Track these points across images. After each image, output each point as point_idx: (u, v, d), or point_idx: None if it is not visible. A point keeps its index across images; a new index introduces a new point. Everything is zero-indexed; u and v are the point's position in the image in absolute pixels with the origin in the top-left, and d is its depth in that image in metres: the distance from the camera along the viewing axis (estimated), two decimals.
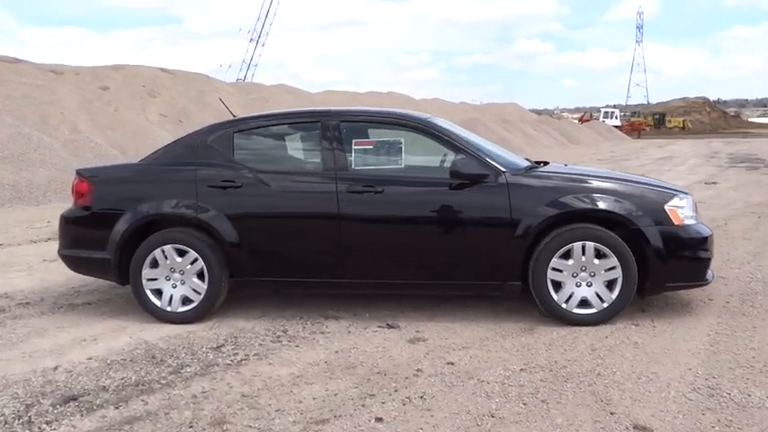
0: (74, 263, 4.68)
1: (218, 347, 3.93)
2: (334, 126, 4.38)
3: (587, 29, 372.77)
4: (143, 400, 3.19)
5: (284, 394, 3.23)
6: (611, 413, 2.92)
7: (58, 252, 4.76)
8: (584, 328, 4.08)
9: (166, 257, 4.37)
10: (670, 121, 48.86)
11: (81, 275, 5.04)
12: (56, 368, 3.65)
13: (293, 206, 4.33)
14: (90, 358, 3.80)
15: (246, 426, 2.91)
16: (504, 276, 4.20)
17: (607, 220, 4.13)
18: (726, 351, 3.66)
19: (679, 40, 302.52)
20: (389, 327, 4.26)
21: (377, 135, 4.54)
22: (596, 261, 4.11)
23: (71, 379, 3.49)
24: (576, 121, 42.80)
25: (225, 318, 4.45)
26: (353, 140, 4.37)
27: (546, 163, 4.82)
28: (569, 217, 4.11)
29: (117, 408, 3.12)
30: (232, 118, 4.87)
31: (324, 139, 4.37)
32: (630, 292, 4.11)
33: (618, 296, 4.11)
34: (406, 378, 3.40)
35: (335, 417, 2.97)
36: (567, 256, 4.12)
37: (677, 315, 4.32)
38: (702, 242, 4.17)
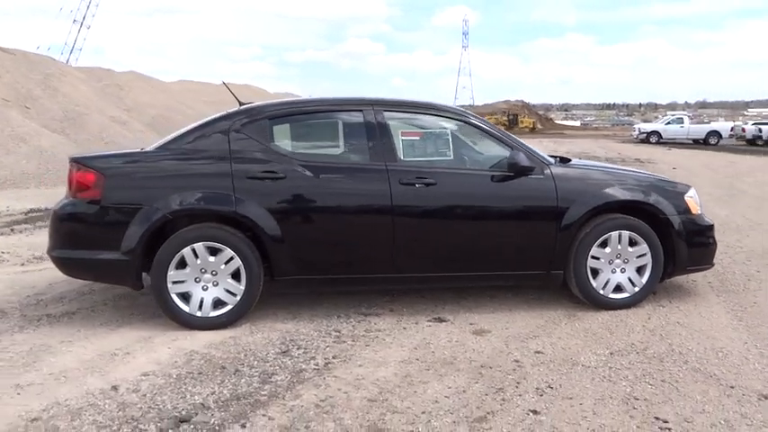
0: (71, 266, 4.01)
1: (284, 352, 3.61)
2: (378, 115, 4.20)
3: (415, 32, 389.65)
4: (265, 416, 2.85)
5: (411, 395, 3.06)
6: (731, 387, 3.15)
7: (49, 253, 4.05)
8: (622, 312, 4.32)
9: (197, 256, 3.90)
10: (522, 122, 52.48)
11: (61, 277, 4.36)
12: (115, 388, 3.13)
13: (343, 199, 4.07)
14: (145, 374, 3.30)
15: (408, 430, 2.72)
16: (548, 265, 4.31)
17: (640, 209, 4.41)
18: (760, 324, 4.09)
19: (496, 47, 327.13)
20: (440, 320, 4.19)
21: (413, 126, 4.42)
22: (630, 248, 4.37)
23: (149, 399, 3.01)
24: None
25: (252, 321, 4.09)
26: (400, 131, 4.23)
27: (566, 158, 4.98)
28: (609, 207, 4.33)
29: (243, 426, 2.75)
30: (243, 104, 4.49)
31: (368, 128, 4.18)
32: (658, 276, 4.44)
33: (648, 280, 4.41)
34: (514, 370, 3.38)
35: (489, 413, 2.88)
36: (604, 244, 4.34)
37: (684, 297, 4.72)
38: (711, 229, 4.61)
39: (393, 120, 4.25)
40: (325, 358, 3.53)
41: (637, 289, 4.41)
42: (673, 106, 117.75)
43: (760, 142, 32.73)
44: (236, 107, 4.34)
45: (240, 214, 3.91)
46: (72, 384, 3.18)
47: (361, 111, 4.23)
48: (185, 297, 3.94)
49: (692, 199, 4.55)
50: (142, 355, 3.57)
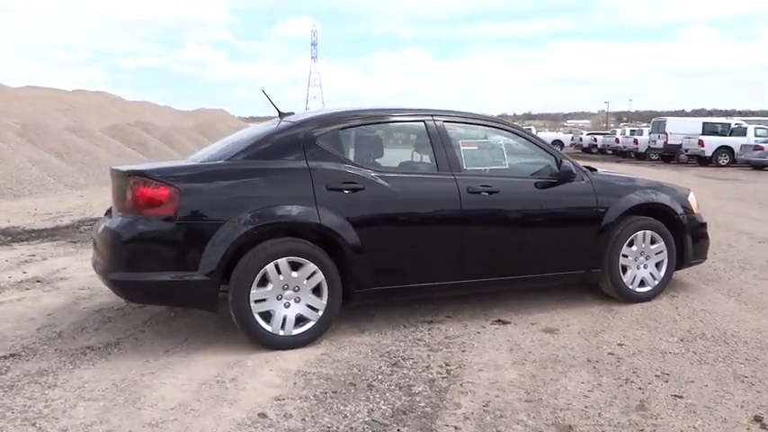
0: (139, 290, 3.64)
1: (395, 364, 3.57)
2: (440, 126, 4.29)
3: (258, 41, 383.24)
4: (448, 426, 2.83)
5: (559, 392, 3.19)
6: None
7: (109, 278, 3.65)
8: (648, 305, 4.76)
9: (280, 273, 3.73)
10: None
11: (51, 305, 3.94)
12: (263, 415, 2.93)
13: (419, 208, 4.09)
14: (279, 399, 3.11)
15: (592, 424, 2.86)
16: (589, 265, 4.65)
17: (658, 210, 4.89)
18: (763, 306, 4.72)
19: (340, 59, 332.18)
20: (503, 323, 4.36)
21: (467, 137, 4.55)
22: (651, 246, 4.85)
23: (311, 422, 2.87)
24: None
25: (325, 338, 3.99)
26: (461, 141, 4.35)
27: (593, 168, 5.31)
28: (636, 210, 4.76)
29: None
30: (282, 114, 4.38)
31: (431, 138, 4.24)
32: (672, 270, 4.96)
33: (665, 274, 4.91)
34: (618, 361, 3.62)
35: (642, 401, 3.09)
36: (631, 243, 4.77)
37: (680, 289, 5.28)
38: (706, 226, 5.23)
39: (452, 130, 4.35)
40: (441, 366, 3.55)
41: (656, 282, 4.89)
42: (503, 117, 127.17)
43: (594, 150, 36.70)
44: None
45: (324, 226, 3.80)
46: (210, 416, 2.93)
47: (422, 121, 4.29)
48: (266, 316, 3.75)
49: (693, 200, 5.14)
50: (251, 380, 3.35)
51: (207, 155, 4.18)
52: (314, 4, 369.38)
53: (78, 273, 5.90)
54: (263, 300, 3.72)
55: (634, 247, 4.77)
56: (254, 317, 3.69)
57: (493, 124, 4.63)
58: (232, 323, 4.13)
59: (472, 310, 4.61)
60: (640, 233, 4.77)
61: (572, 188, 4.54)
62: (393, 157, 4.40)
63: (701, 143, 25.71)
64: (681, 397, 3.14)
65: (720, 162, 25.33)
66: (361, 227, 3.89)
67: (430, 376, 3.40)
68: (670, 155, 27.79)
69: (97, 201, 11.40)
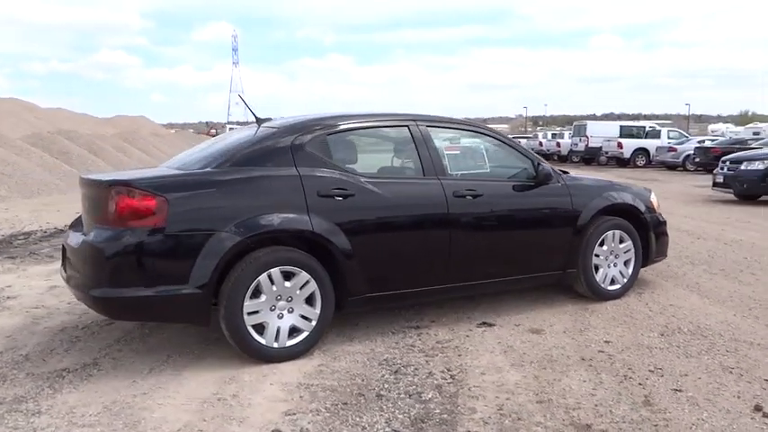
0: (125, 306, 3.43)
1: (396, 372, 3.52)
2: (423, 131, 4.28)
3: (174, 46, 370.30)
4: None
5: (566, 392, 3.23)
6: None
7: (90, 295, 3.42)
8: (619, 302, 4.93)
9: (273, 283, 3.62)
10: None
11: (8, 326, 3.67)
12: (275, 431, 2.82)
13: (408, 213, 4.05)
14: (290, 413, 3.01)
15: (608, 422, 2.91)
16: (565, 265, 4.76)
17: (625, 210, 5.07)
18: (724, 300, 4.97)
19: (262, 64, 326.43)
20: (488, 324, 4.39)
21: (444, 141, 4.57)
22: (620, 245, 5.02)
23: None
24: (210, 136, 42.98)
25: (317, 348, 3.91)
26: (445, 146, 4.36)
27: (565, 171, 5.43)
28: (607, 210, 4.92)
29: None
30: (259, 119, 4.27)
31: (416, 143, 4.23)
32: (639, 268, 5.15)
33: (633, 272, 5.10)
34: (610, 358, 3.71)
35: (646, 396, 3.18)
36: (602, 243, 4.92)
37: (647, 284, 5.50)
38: (666, 224, 5.47)
39: (435, 134, 4.36)
40: (443, 371, 3.53)
41: (626, 280, 5.07)
42: None
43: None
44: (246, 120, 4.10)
45: (317, 234, 3.71)
46: None
47: (406, 126, 4.27)
48: (259, 328, 3.62)
49: (654, 200, 5.37)
50: (254, 396, 3.22)
51: (184, 162, 4.00)
52: (233, 9, 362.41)
53: (26, 290, 5.53)
54: (257, 312, 3.59)
55: (605, 247, 4.93)
56: (247, 330, 3.56)
57: (473, 129, 4.68)
58: (213, 336, 4.00)
59: (454, 313, 4.63)
60: (610, 233, 4.93)
61: (549, 191, 4.64)
62: (379, 162, 4.36)
63: (619, 145, 26.98)
64: (680, 391, 3.26)
65: (638, 163, 26.67)
66: (353, 234, 3.82)
67: (436, 382, 3.38)
68: (591, 157, 29.01)
69: (25, 213, 10.75)
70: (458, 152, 4.50)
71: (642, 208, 5.14)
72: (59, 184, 14.82)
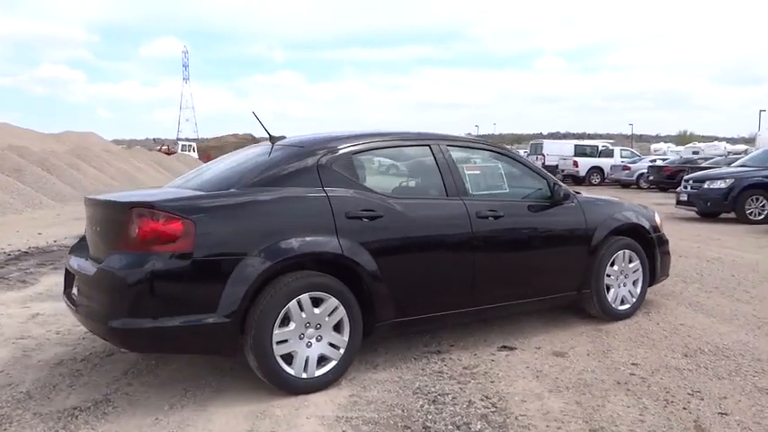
0: (147, 337, 3.18)
1: (434, 401, 3.38)
2: (444, 150, 4.19)
3: (119, 62, 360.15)
4: None
5: (614, 419, 3.15)
6: None
7: (108, 326, 3.16)
8: (629, 322, 4.91)
9: (302, 310, 3.44)
10: None
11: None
12: None
13: (434, 234, 3.93)
14: None
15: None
16: (580, 285, 4.72)
17: (633, 230, 5.08)
18: (730, 318, 5.02)
19: (212, 81, 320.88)
20: (509, 348, 4.30)
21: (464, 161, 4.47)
22: (629, 265, 5.02)
23: None
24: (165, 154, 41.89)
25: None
26: (465, 166, 4.27)
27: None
28: (617, 231, 4.91)
29: None
30: (273, 137, 4.11)
31: (438, 163, 4.13)
32: (647, 287, 5.16)
33: (641, 291, 5.11)
34: (644, 381, 3.66)
35: (695, 421, 3.13)
36: (613, 263, 4.91)
37: (649, 303, 5.50)
38: (668, 244, 5.52)
39: (455, 154, 4.27)
40: (482, 399, 3.40)
41: (634, 300, 5.07)
42: None
43: None
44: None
45: (346, 257, 3.55)
46: None
47: (428, 145, 4.17)
48: (287, 358, 3.43)
49: (658, 219, 5.41)
50: None
51: (201, 182, 3.79)
52: (181, 24, 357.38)
53: (5, 319, 5.16)
54: (285, 341, 3.40)
55: (615, 267, 4.91)
56: (276, 360, 3.36)
57: (490, 148, 4.61)
58: (226, 366, 3.82)
59: (470, 337, 4.52)
60: (620, 252, 4.93)
61: (565, 211, 4.60)
62: (402, 182, 4.24)
63: (575, 164, 27.60)
64: (726, 414, 3.22)
65: (593, 181, 27.33)
66: (381, 256, 3.68)
67: (479, 411, 3.25)
68: None
69: None
70: (478, 172, 4.41)
71: (648, 227, 5.16)
72: (14, 202, 14.11)
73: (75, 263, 3.73)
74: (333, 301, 3.52)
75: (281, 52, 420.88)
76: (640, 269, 5.07)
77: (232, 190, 3.48)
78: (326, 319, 3.52)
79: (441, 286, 3.98)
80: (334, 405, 3.33)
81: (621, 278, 4.98)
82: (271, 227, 3.39)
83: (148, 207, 3.22)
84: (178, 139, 63.92)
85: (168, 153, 42.86)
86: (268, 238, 3.34)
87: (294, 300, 3.39)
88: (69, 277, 3.85)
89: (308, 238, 3.45)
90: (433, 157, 4.14)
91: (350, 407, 3.31)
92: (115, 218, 3.41)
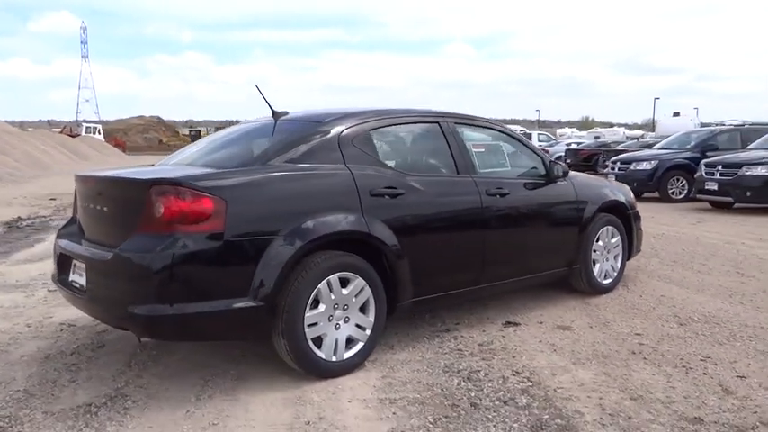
0: (175, 325, 2.96)
1: (469, 378, 3.35)
2: (452, 128, 4.14)
3: (5, 36, 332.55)
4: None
5: (646, 387, 3.23)
6: None
7: (135, 313, 2.91)
8: (614, 294, 5.11)
9: (332, 291, 3.32)
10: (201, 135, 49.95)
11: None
12: None
13: (450, 210, 3.89)
14: None
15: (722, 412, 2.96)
16: (571, 261, 4.84)
17: (615, 207, 5.25)
18: (703, 288, 5.31)
19: (111, 60, 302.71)
20: (513, 324, 4.35)
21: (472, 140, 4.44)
22: (611, 240, 5.20)
23: None
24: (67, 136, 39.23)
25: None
26: (471, 143, 4.25)
27: None
28: (603, 207, 5.06)
29: None
30: (276, 113, 3.93)
31: (447, 140, 4.09)
32: (626, 261, 5.37)
33: (621, 265, 5.30)
34: (654, 350, 3.79)
35: (721, 386, 3.27)
36: (598, 238, 5.06)
37: (627, 277, 5.73)
38: (641, 220, 5.74)
39: (462, 132, 4.23)
40: (513, 374, 3.42)
41: (615, 274, 5.26)
42: None
43: None
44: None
45: (373, 236, 3.45)
46: None
47: (437, 123, 4.11)
48: (317, 341, 3.30)
49: (633, 197, 5.62)
50: (341, 417, 2.91)
51: (212, 158, 3.57)
52: (77, 0, 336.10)
53: None
54: (316, 323, 3.27)
55: (600, 242, 5.07)
56: (308, 344, 3.23)
57: (492, 126, 4.61)
58: (235, 354, 3.66)
59: (470, 315, 4.53)
60: (604, 229, 5.08)
61: (560, 188, 4.69)
62: (416, 158, 4.14)
63: None
64: (745, 377, 3.40)
65: None
66: (403, 234, 3.60)
67: (518, 386, 3.25)
68: None
69: None
70: (483, 150, 4.40)
71: (627, 204, 5.35)
72: None
73: (76, 247, 3.41)
74: (360, 282, 3.42)
75: (187, 33, 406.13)
76: (620, 244, 5.26)
77: (256, 167, 3.28)
78: (354, 299, 3.41)
79: (456, 264, 3.95)
80: (369, 387, 3.24)
81: (605, 253, 5.14)
82: (301, 205, 3.23)
83: (174, 184, 2.98)
84: (83, 121, 60.12)
85: (72, 135, 40.32)
86: (299, 217, 3.19)
87: (324, 281, 3.26)
88: (65, 262, 3.52)
89: (336, 217, 3.32)
90: (443, 135, 4.08)
91: (386, 388, 3.23)
92: (130, 196, 3.15)
